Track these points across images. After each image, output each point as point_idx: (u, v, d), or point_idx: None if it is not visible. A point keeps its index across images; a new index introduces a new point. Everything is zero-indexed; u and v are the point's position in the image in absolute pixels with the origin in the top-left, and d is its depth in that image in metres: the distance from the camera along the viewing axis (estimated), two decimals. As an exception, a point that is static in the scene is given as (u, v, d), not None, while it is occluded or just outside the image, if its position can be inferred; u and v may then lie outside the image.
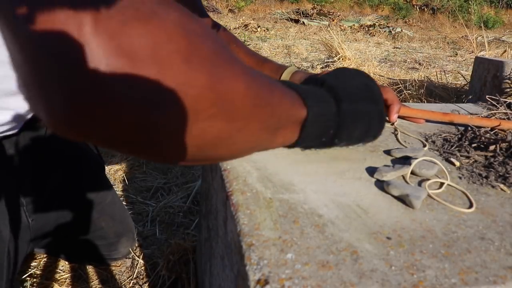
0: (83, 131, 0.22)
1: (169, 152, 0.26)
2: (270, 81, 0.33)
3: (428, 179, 0.45)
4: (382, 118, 0.45)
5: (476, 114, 0.70)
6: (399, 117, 0.64)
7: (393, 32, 5.85)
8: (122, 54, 0.20)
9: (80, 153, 0.87)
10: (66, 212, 0.81)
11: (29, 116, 0.71)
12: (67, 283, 0.88)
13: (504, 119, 0.68)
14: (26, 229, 0.74)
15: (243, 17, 6.71)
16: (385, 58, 3.77)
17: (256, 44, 4.33)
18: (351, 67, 2.88)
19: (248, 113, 0.28)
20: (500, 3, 11.69)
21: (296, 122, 0.36)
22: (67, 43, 0.20)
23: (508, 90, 1.13)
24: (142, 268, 0.93)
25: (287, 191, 0.40)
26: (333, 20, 6.97)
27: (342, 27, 6.16)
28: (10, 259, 0.68)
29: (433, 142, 0.58)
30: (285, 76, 0.68)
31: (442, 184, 0.44)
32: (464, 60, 3.84)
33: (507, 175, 0.47)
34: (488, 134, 0.59)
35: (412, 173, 0.46)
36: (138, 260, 0.94)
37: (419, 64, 3.49)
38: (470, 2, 9.65)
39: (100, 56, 0.20)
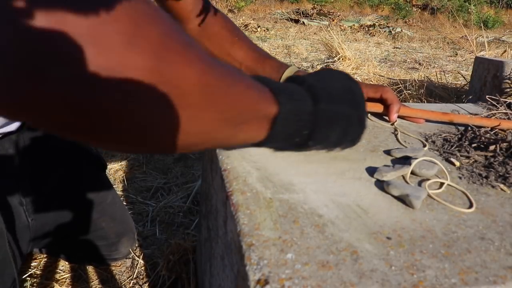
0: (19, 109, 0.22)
1: (107, 136, 0.25)
2: (234, 72, 0.32)
3: (428, 179, 0.45)
4: (362, 123, 0.44)
5: (476, 114, 0.70)
6: (399, 117, 0.64)
7: (393, 32, 5.85)
8: (56, 29, 0.20)
9: (81, 152, 0.87)
10: (66, 212, 0.81)
11: None
12: (67, 283, 0.88)
13: (504, 119, 0.68)
14: (26, 229, 0.74)
15: (243, 17, 6.70)
16: (385, 58, 3.77)
17: (256, 44, 4.33)
18: (350, 67, 2.86)
19: (199, 101, 0.27)
20: (500, 3, 11.69)
21: (264, 119, 0.35)
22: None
23: (508, 90, 1.13)
24: (142, 268, 0.93)
25: (287, 191, 0.40)
26: (333, 20, 6.97)
27: (342, 27, 6.16)
28: (15, 257, 0.68)
29: (433, 142, 0.58)
30: (287, 75, 0.68)
31: (442, 184, 0.44)
32: (464, 60, 3.84)
33: (507, 175, 0.47)
34: (488, 134, 0.59)
35: (412, 173, 0.46)
36: (138, 260, 0.94)
37: (419, 64, 3.48)
38: (469, 2, 9.65)
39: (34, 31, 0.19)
